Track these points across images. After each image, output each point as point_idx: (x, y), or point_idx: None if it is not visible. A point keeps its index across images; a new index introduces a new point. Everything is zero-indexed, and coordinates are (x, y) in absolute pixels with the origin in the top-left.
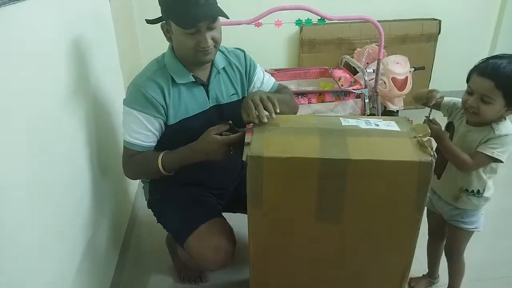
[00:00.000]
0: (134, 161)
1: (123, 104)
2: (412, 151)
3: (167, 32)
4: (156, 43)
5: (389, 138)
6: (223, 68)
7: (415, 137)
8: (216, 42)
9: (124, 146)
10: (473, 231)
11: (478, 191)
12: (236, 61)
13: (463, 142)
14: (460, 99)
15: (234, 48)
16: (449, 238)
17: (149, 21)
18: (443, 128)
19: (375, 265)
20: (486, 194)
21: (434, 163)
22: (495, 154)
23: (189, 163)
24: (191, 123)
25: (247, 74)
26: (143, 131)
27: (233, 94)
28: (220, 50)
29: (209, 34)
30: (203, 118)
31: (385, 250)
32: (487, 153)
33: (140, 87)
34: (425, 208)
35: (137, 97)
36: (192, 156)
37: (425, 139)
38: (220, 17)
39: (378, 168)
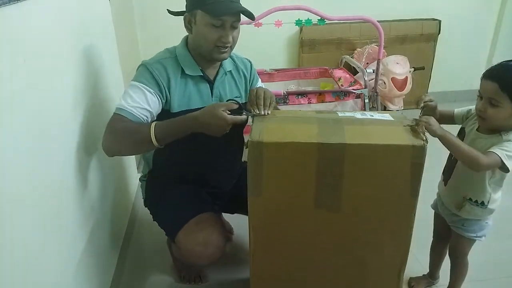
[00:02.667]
0: (122, 127)
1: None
2: (406, 136)
3: (189, 24)
4: (156, 43)
5: (384, 126)
6: (230, 71)
7: (408, 125)
8: (234, 42)
9: (114, 113)
10: (475, 240)
11: (483, 202)
12: (243, 67)
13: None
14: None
15: (243, 56)
16: (452, 241)
17: (171, 12)
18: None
19: (373, 253)
20: (490, 206)
21: (426, 147)
22: (503, 154)
23: (184, 134)
24: None
25: (250, 83)
26: (141, 102)
27: (237, 97)
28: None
29: (231, 32)
30: None
31: (383, 237)
32: (497, 152)
33: (148, 65)
34: (433, 211)
35: (144, 74)
36: (191, 126)
37: (417, 126)
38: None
39: (374, 152)
